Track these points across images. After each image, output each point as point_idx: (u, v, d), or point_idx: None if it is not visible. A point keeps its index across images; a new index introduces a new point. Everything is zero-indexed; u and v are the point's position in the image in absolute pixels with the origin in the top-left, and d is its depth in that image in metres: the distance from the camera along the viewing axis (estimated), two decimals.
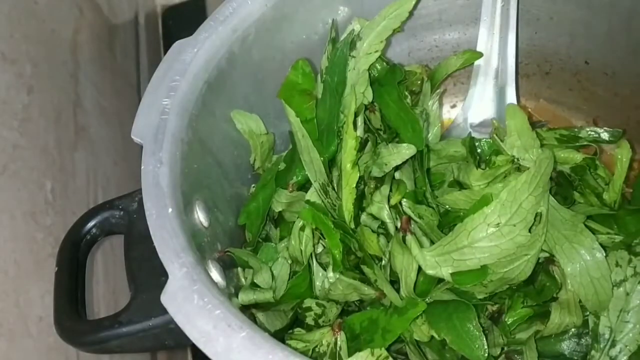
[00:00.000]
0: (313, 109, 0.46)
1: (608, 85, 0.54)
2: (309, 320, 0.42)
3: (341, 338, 0.39)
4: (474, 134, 0.53)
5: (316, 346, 0.39)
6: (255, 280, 0.42)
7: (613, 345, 0.39)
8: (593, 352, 0.40)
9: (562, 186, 0.45)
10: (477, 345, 0.37)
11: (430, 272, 0.39)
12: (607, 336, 0.39)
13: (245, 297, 0.40)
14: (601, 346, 0.39)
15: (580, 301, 0.40)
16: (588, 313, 0.40)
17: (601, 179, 0.47)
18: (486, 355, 0.37)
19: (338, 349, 0.39)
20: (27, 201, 0.42)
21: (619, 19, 0.49)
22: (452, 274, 0.39)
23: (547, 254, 0.41)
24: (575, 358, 0.42)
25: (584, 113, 0.57)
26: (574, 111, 0.57)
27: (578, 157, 0.46)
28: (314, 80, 0.46)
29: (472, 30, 0.53)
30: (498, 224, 0.38)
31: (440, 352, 0.40)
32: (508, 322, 0.42)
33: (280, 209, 0.46)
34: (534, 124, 0.54)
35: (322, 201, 0.43)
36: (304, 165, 0.44)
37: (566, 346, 0.42)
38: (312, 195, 0.43)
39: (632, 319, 0.39)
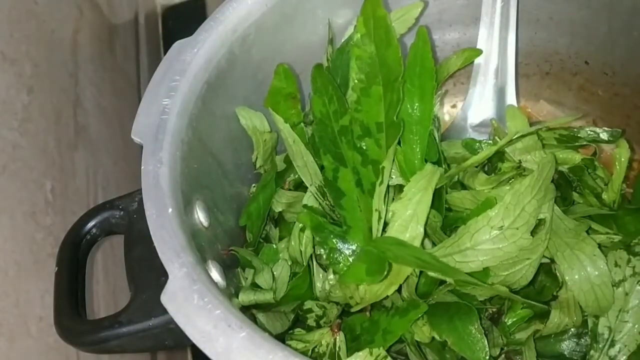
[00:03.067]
0: (300, 112, 0.46)
1: (608, 85, 0.54)
2: (310, 322, 0.42)
3: (340, 338, 0.39)
4: (473, 134, 0.53)
5: (316, 346, 0.39)
6: (256, 281, 0.42)
7: (612, 345, 0.39)
8: (592, 351, 0.40)
9: (561, 187, 0.45)
10: (478, 347, 0.37)
11: (431, 273, 0.39)
12: (606, 336, 0.39)
13: (245, 297, 0.40)
14: (600, 346, 0.40)
15: None
16: (587, 313, 0.40)
17: (600, 179, 0.47)
18: (487, 357, 0.37)
19: (337, 349, 0.39)
20: (27, 201, 0.42)
21: (619, 19, 0.49)
22: None
23: (548, 261, 0.41)
24: (575, 358, 0.42)
25: (584, 113, 0.57)
26: (574, 111, 0.57)
27: (577, 157, 0.46)
28: (296, 84, 0.46)
29: (472, 30, 0.53)
30: (501, 226, 0.38)
31: (441, 353, 0.40)
32: (508, 323, 0.42)
33: (280, 210, 0.46)
34: (533, 125, 0.55)
35: (320, 204, 0.43)
36: (297, 170, 0.44)
37: (565, 346, 0.42)
38: (309, 199, 0.43)
39: (631, 318, 0.39)
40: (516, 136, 0.43)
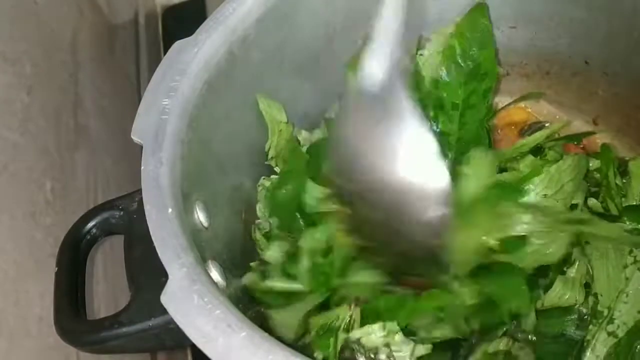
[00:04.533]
0: None
1: (608, 85, 0.54)
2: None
3: (356, 312, 0.39)
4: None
5: (333, 321, 0.39)
6: (289, 271, 0.42)
7: (611, 321, 0.41)
8: (591, 326, 0.41)
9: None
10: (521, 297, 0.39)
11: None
12: (605, 313, 0.41)
13: (276, 284, 0.41)
14: (599, 321, 0.41)
15: (585, 283, 0.42)
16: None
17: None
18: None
19: (352, 321, 0.39)
20: (27, 201, 0.42)
21: (619, 19, 0.49)
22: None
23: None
24: (577, 339, 0.42)
25: (584, 113, 0.57)
26: (574, 111, 0.57)
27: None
28: None
29: None
30: (545, 194, 0.41)
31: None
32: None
33: (312, 203, 0.45)
34: (533, 125, 0.55)
35: None
36: None
37: (567, 327, 0.43)
38: None
39: (630, 300, 0.41)
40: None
